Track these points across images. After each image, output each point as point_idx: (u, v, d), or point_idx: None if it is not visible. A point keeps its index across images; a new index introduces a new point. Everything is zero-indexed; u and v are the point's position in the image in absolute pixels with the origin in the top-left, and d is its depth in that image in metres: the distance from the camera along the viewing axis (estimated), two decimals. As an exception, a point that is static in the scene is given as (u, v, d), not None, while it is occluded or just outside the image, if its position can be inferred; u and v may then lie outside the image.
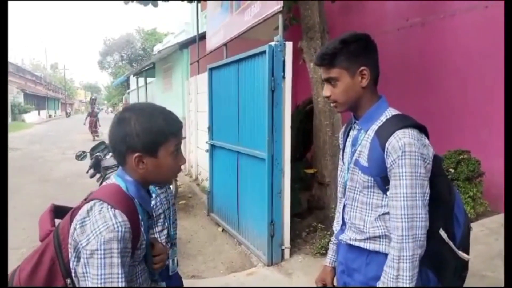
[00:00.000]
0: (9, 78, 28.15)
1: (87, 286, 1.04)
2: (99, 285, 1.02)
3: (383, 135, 1.33)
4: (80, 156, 5.47)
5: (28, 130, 24.34)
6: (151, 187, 1.77)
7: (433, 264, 1.35)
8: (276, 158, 3.74)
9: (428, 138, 1.37)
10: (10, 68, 30.66)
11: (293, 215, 4.12)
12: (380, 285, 1.33)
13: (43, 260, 1.13)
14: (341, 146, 1.61)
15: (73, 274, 1.09)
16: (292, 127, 5.56)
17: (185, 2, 6.95)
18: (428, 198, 1.32)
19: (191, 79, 7.81)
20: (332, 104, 1.48)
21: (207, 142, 5.49)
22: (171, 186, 2.18)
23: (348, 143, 1.53)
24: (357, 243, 1.45)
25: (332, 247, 1.69)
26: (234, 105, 4.48)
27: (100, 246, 1.03)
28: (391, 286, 1.29)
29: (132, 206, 1.15)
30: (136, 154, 1.16)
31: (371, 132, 1.39)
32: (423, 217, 1.29)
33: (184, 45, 8.50)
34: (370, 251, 1.42)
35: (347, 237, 1.50)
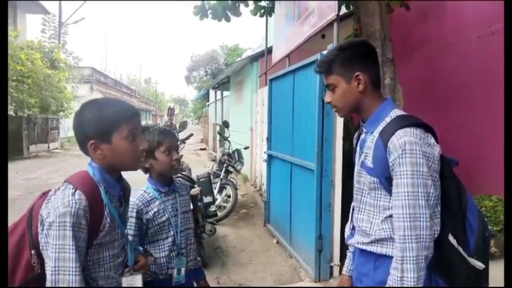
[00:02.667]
0: (108, 91, 31.34)
1: (48, 255, 1.16)
2: (54, 254, 1.14)
3: (386, 134, 1.32)
4: None
5: (121, 138, 26.78)
6: (155, 193, 1.83)
7: (443, 271, 1.29)
8: (326, 169, 3.61)
9: (435, 137, 1.32)
10: (108, 82, 34.13)
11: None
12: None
13: (15, 230, 1.28)
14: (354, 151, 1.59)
15: (40, 247, 1.20)
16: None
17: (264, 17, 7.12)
18: (434, 198, 1.27)
19: (259, 91, 7.96)
20: (333, 109, 1.50)
21: (265, 152, 5.51)
22: (193, 191, 2.18)
23: (358, 147, 1.52)
24: (364, 247, 1.42)
25: (349, 255, 1.65)
26: (289, 115, 4.45)
27: (56, 219, 1.16)
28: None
29: (95, 189, 1.26)
30: (91, 142, 1.26)
31: (376, 133, 1.37)
32: (426, 217, 1.23)
33: (254, 58, 8.71)
34: (378, 255, 1.38)
35: (355, 241, 1.48)
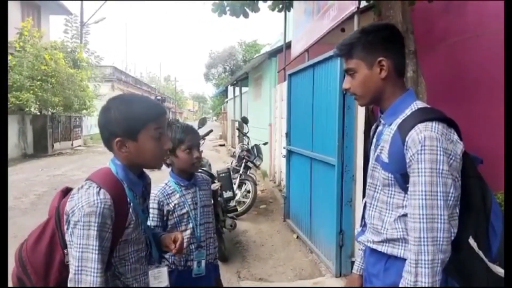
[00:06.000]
0: (129, 89, 31.82)
1: (72, 253, 1.15)
2: (78, 253, 1.13)
3: (404, 128, 1.22)
4: None
5: (141, 136, 27.19)
6: (176, 187, 1.86)
7: (460, 276, 1.20)
8: (347, 164, 3.58)
9: (459, 134, 1.22)
10: (129, 80, 34.67)
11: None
12: None
13: (45, 232, 1.27)
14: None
15: (68, 245, 1.19)
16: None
17: (282, 12, 7.10)
18: (454, 199, 1.18)
19: (278, 87, 7.93)
20: (354, 97, 1.41)
21: (284, 148, 5.51)
22: (213, 187, 2.21)
23: (374, 140, 1.43)
24: (374, 246, 1.35)
25: (360, 253, 1.57)
26: (309, 110, 4.42)
27: (81, 218, 1.15)
28: None
29: (120, 187, 1.24)
30: (118, 139, 1.25)
31: (394, 126, 1.28)
32: (445, 219, 1.15)
33: (273, 54, 8.69)
34: (389, 256, 1.30)
35: (366, 238, 1.41)
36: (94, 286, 1.13)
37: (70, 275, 1.15)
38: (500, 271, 1.19)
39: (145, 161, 1.31)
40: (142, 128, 1.26)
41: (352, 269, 3.72)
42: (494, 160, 3.94)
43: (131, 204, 1.27)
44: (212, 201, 2.15)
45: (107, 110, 1.28)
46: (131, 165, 1.31)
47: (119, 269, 1.27)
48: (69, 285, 1.15)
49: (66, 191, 1.35)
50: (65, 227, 1.20)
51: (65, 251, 1.22)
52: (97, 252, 1.14)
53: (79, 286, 1.13)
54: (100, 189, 1.19)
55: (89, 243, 1.14)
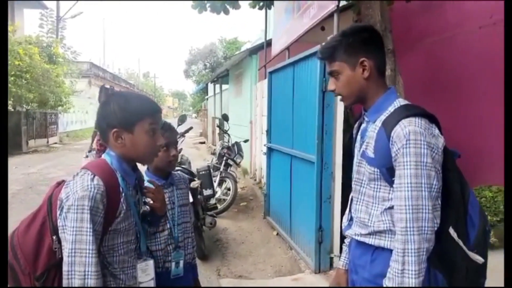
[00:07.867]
0: (107, 85, 31.17)
1: (65, 237, 1.20)
2: (72, 236, 1.18)
3: (389, 124, 1.28)
4: None
5: (120, 133, 26.73)
6: (152, 186, 1.83)
7: (442, 264, 1.27)
8: (326, 161, 3.62)
9: (439, 128, 1.30)
10: (107, 76, 34.02)
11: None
12: (386, 281, 1.26)
13: (36, 218, 1.31)
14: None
15: (59, 231, 1.24)
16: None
17: (263, 10, 7.09)
18: (436, 190, 1.24)
19: (258, 84, 7.94)
20: (339, 98, 1.47)
21: (265, 145, 5.52)
22: (193, 184, 2.18)
23: (358, 137, 1.48)
24: (362, 238, 1.40)
25: (345, 249, 1.62)
26: (289, 108, 4.44)
27: (74, 202, 1.20)
28: (397, 281, 1.22)
29: (113, 176, 1.30)
30: (114, 130, 1.31)
31: (379, 122, 1.34)
32: (429, 209, 1.21)
33: (254, 51, 8.69)
34: (376, 248, 1.36)
35: (353, 232, 1.45)
36: (89, 266, 1.17)
37: (64, 258, 1.18)
38: (478, 258, 1.27)
39: (139, 155, 1.37)
40: (138, 121, 1.32)
41: (330, 265, 3.78)
42: (469, 154, 4.06)
43: (123, 194, 1.31)
44: (190, 200, 2.12)
45: (106, 103, 1.34)
46: (125, 158, 1.36)
47: (107, 258, 1.30)
48: (64, 268, 1.18)
49: (61, 182, 1.38)
50: (58, 212, 1.24)
51: (54, 237, 1.26)
52: (91, 234, 1.18)
53: (74, 268, 1.17)
54: (94, 176, 1.24)
55: (83, 225, 1.18)
